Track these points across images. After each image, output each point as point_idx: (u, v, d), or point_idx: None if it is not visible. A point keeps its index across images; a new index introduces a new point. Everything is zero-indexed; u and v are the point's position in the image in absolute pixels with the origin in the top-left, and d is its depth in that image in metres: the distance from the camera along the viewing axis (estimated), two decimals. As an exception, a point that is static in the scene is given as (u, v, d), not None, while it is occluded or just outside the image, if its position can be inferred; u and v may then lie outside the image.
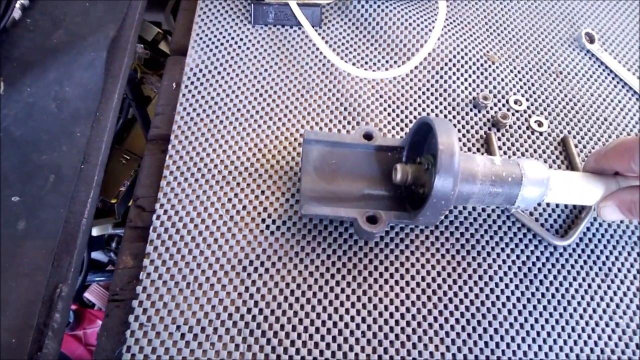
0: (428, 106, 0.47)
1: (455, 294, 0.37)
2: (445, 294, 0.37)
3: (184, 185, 0.39)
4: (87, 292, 0.83)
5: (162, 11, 0.65)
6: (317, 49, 0.48)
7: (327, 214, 0.36)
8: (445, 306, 0.37)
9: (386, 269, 0.38)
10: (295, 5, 0.46)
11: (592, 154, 0.39)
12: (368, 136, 0.40)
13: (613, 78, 0.52)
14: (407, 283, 0.37)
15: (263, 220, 0.39)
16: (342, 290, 0.36)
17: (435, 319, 0.36)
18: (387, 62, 0.49)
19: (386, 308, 0.36)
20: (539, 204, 0.42)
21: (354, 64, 0.48)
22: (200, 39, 0.48)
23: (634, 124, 0.49)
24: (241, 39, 0.48)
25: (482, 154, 0.44)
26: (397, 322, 0.36)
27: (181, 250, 0.37)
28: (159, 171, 0.40)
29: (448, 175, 0.33)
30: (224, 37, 0.48)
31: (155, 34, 0.66)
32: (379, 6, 0.52)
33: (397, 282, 0.37)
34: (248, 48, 0.48)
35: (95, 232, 0.69)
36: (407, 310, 0.36)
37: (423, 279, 0.38)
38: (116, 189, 0.64)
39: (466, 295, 0.37)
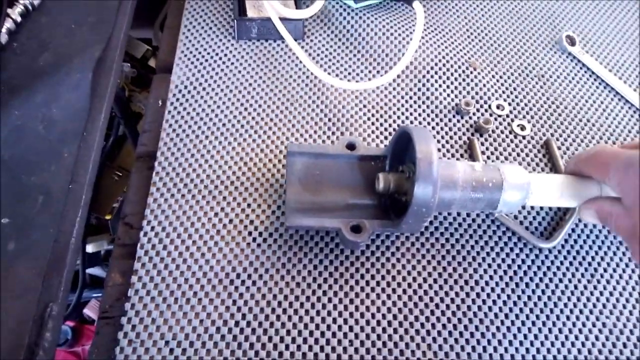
0: (411, 114, 0.47)
1: (442, 300, 0.38)
2: (431, 300, 0.38)
3: (170, 201, 0.40)
4: (87, 309, 0.83)
5: (151, 28, 0.66)
6: (300, 62, 0.49)
7: (312, 225, 0.37)
8: (432, 312, 0.37)
9: (372, 277, 0.38)
10: (278, 20, 0.47)
11: (574, 157, 0.39)
12: (351, 146, 0.40)
13: (595, 80, 0.52)
14: (394, 290, 0.38)
15: (249, 233, 0.39)
16: (329, 300, 0.37)
17: (422, 325, 0.36)
18: (369, 72, 0.50)
19: (373, 316, 0.36)
20: (523, 207, 0.42)
21: (337, 76, 0.49)
22: (185, 55, 0.49)
23: (616, 125, 0.49)
24: (225, 55, 0.49)
25: (466, 159, 0.45)
26: (384, 330, 0.36)
27: (168, 266, 0.37)
28: (147, 188, 0.41)
29: (427, 183, 0.33)
30: (208, 53, 0.49)
31: (144, 51, 0.67)
32: (360, 17, 0.53)
33: (383, 290, 0.38)
34: (232, 63, 0.48)
35: (90, 248, 0.69)
36: (394, 317, 0.37)
37: (409, 285, 0.38)
38: (110, 205, 0.65)
39: (452, 300, 0.38)
